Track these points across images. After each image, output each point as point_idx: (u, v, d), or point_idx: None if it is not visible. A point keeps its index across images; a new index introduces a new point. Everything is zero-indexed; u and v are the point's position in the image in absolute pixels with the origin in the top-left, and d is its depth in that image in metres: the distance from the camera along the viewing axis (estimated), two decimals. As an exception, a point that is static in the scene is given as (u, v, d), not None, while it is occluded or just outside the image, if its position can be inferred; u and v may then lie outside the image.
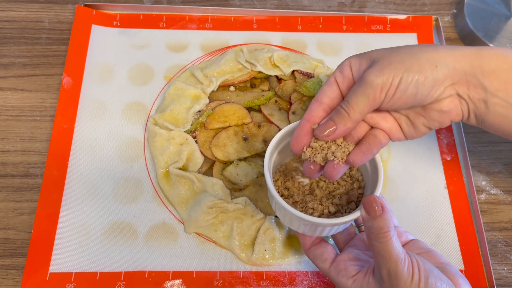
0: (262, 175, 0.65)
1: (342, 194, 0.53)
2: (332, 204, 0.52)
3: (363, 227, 0.54)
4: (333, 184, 0.55)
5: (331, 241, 0.60)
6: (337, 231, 0.52)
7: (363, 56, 0.50)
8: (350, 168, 0.55)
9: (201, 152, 0.67)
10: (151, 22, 0.81)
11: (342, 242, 0.55)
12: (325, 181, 0.55)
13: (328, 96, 0.50)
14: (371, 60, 0.48)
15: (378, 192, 0.49)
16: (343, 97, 0.50)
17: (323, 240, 0.54)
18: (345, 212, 0.52)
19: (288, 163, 0.58)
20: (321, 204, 0.52)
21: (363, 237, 0.55)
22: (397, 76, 0.46)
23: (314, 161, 0.49)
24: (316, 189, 0.54)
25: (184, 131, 0.68)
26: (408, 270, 0.44)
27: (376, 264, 0.46)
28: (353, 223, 0.56)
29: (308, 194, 0.54)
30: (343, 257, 0.51)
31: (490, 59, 0.47)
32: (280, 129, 0.68)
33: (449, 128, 0.73)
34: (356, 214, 0.48)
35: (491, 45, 0.78)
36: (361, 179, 0.54)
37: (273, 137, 0.53)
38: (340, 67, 0.51)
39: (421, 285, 0.43)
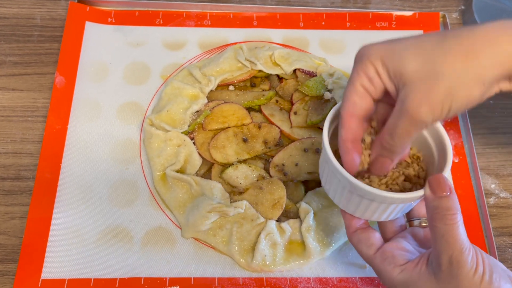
0: (263, 177, 0.65)
1: (400, 176, 0.51)
2: (391, 184, 0.50)
3: (414, 221, 0.53)
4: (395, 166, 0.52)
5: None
6: (393, 216, 0.50)
7: (389, 58, 0.43)
8: (413, 154, 0.53)
9: (199, 154, 0.68)
10: (147, 19, 0.81)
11: (391, 232, 0.53)
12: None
13: (361, 107, 0.46)
14: (401, 71, 0.42)
15: (446, 172, 0.47)
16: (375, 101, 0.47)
17: (370, 226, 0.53)
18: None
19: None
20: (382, 183, 0.50)
21: (414, 231, 0.53)
22: (446, 106, 0.41)
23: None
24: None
25: (182, 132, 0.68)
26: (472, 260, 0.42)
27: (435, 250, 0.44)
28: (405, 217, 0.55)
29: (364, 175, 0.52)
30: (392, 245, 0.49)
31: None
32: (281, 130, 0.69)
33: (457, 129, 0.73)
34: (419, 192, 0.46)
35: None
36: (421, 159, 0.52)
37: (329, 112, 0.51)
38: (365, 71, 0.45)
39: (485, 279, 0.42)
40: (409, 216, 0.54)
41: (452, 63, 0.40)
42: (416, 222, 0.53)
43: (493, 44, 0.41)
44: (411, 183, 0.51)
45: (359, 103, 0.46)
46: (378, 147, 0.46)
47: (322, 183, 0.54)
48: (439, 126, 0.50)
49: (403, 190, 0.50)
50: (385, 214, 0.50)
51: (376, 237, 0.51)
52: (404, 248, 0.49)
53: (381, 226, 0.54)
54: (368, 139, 0.48)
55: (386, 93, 0.45)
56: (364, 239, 0.51)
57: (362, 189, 0.46)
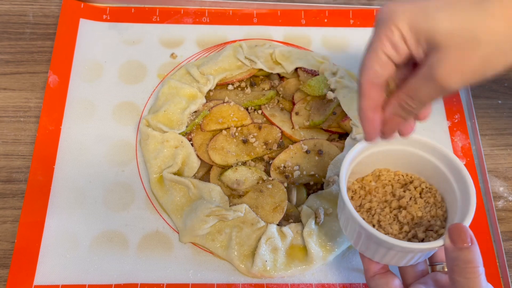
0: (263, 180, 0.66)
1: (422, 222, 0.52)
2: (410, 231, 0.51)
3: (437, 266, 0.52)
4: (413, 209, 0.53)
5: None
6: (413, 262, 0.50)
7: (419, 20, 0.40)
8: (433, 195, 0.54)
9: (197, 156, 0.68)
10: (143, 16, 0.82)
11: (412, 277, 0.52)
12: (405, 208, 0.53)
13: (383, 75, 0.44)
14: (433, 35, 0.40)
15: (468, 222, 0.46)
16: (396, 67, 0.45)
17: (389, 270, 0.53)
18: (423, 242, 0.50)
19: (365, 179, 0.57)
20: (401, 230, 0.51)
21: (436, 277, 0.51)
22: (479, 73, 0.39)
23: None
24: (397, 212, 0.53)
25: (179, 133, 0.69)
26: None
27: None
28: (427, 261, 0.54)
29: (384, 215, 0.53)
30: None
31: None
32: (282, 131, 0.70)
33: (464, 130, 0.74)
34: (439, 243, 0.46)
35: None
36: (443, 207, 0.53)
37: (347, 154, 0.52)
38: (389, 37, 0.42)
39: None
40: (432, 260, 0.54)
41: (493, 28, 0.38)
42: (438, 267, 0.52)
43: None
44: (432, 231, 0.51)
45: (381, 71, 0.43)
46: (395, 106, 0.45)
47: (340, 224, 0.55)
48: (465, 172, 0.51)
49: (423, 237, 0.51)
50: (404, 260, 0.50)
51: (395, 283, 0.50)
52: None
53: (402, 270, 0.54)
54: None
55: (409, 57, 0.43)
56: (382, 285, 0.51)
57: (379, 238, 0.47)
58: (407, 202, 0.53)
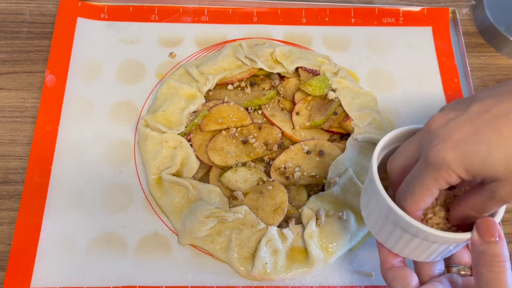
0: (263, 181, 0.66)
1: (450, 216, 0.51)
2: (439, 223, 0.50)
3: (453, 268, 0.53)
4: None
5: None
6: (433, 257, 0.50)
7: (475, 166, 0.42)
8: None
9: (197, 157, 0.68)
10: (142, 15, 0.82)
11: (427, 275, 0.53)
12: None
13: (430, 203, 0.47)
14: (491, 175, 0.42)
15: (498, 218, 0.46)
16: None
17: (406, 265, 0.53)
18: None
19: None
20: (429, 220, 0.50)
21: (452, 278, 0.52)
22: None
23: None
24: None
25: (178, 134, 0.69)
26: None
27: None
28: (443, 262, 0.54)
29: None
30: None
31: None
32: (282, 131, 0.70)
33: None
34: (466, 235, 0.45)
35: (513, 39, 0.79)
36: None
37: (381, 139, 0.52)
38: (446, 179, 0.44)
39: None
40: (448, 262, 0.54)
41: None
42: (454, 269, 0.52)
43: None
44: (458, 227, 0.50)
45: (430, 201, 0.46)
46: (460, 215, 0.47)
47: (362, 212, 0.55)
48: None
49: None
50: (424, 254, 0.50)
51: (414, 278, 0.51)
52: None
53: (417, 268, 0.54)
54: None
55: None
56: (400, 278, 0.51)
57: (406, 221, 0.46)
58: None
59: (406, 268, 0.52)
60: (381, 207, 0.49)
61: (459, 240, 0.46)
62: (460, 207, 0.47)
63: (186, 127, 0.70)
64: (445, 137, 0.43)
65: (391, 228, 0.49)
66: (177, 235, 0.64)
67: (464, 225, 0.49)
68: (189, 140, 0.69)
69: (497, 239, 0.44)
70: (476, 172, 0.42)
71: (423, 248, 0.49)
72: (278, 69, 0.75)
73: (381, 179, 0.50)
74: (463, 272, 0.52)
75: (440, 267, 0.53)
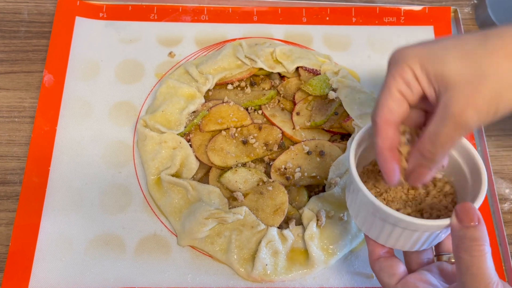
0: (263, 182, 0.66)
1: (429, 204, 0.52)
2: (418, 212, 0.51)
3: (443, 256, 0.52)
4: (418, 192, 0.52)
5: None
6: (418, 246, 0.50)
7: (430, 60, 0.43)
8: (443, 184, 0.53)
9: (196, 157, 0.68)
10: (141, 14, 0.82)
11: (417, 264, 0.53)
12: (413, 189, 0.53)
13: (398, 113, 0.46)
14: (443, 74, 0.43)
15: (478, 203, 0.46)
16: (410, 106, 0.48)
17: (394, 255, 0.53)
18: None
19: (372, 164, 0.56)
20: (409, 211, 0.51)
21: (442, 266, 0.52)
22: (493, 108, 0.42)
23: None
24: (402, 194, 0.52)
25: (177, 134, 0.69)
26: None
27: (459, 284, 0.44)
28: (433, 251, 0.54)
29: (390, 200, 0.52)
30: (415, 277, 0.49)
31: None
32: (282, 131, 0.70)
33: (469, 131, 0.74)
34: (445, 221, 0.45)
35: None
36: (450, 188, 0.53)
37: (357, 134, 0.52)
38: (402, 75, 0.45)
39: None
40: (438, 251, 0.54)
41: (498, 64, 0.41)
42: (445, 257, 0.52)
43: None
44: (441, 213, 0.51)
45: (396, 109, 0.46)
46: (417, 156, 0.46)
47: (348, 205, 0.55)
48: (475, 154, 0.50)
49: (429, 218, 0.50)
50: (409, 243, 0.50)
51: (400, 267, 0.51)
52: (428, 281, 0.49)
53: (407, 257, 0.54)
54: (404, 149, 0.48)
55: (422, 98, 0.46)
56: (386, 268, 0.51)
57: (384, 212, 0.46)
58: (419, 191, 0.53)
59: (392, 258, 0.52)
60: (360, 198, 0.49)
61: (439, 226, 0.46)
62: (415, 148, 0.47)
63: (185, 127, 0.70)
64: (407, 45, 0.46)
65: (372, 219, 0.49)
66: (176, 236, 0.64)
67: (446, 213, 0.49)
68: (188, 141, 0.69)
69: (476, 223, 0.44)
70: (428, 70, 0.43)
71: (406, 237, 0.49)
72: (278, 69, 0.76)
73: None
74: (453, 260, 0.52)
75: (428, 255, 0.54)
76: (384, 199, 0.52)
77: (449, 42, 0.44)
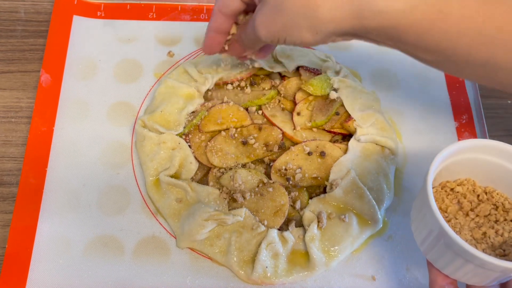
0: (263, 183, 0.66)
1: (504, 240, 0.49)
2: (489, 246, 0.48)
3: None
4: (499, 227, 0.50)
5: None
6: (486, 283, 0.48)
7: None
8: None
9: (195, 158, 0.68)
10: (139, 13, 0.82)
11: None
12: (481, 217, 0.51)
13: (230, 7, 0.58)
14: None
15: None
16: None
17: (457, 286, 0.51)
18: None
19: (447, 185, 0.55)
20: (484, 247, 0.49)
21: None
22: (282, 37, 0.52)
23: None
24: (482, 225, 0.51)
25: (176, 134, 0.69)
26: None
27: None
28: (498, 285, 0.51)
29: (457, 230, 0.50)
30: None
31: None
32: (283, 132, 0.70)
33: (472, 131, 0.74)
34: None
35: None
36: None
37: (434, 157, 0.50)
38: None
39: None
40: (504, 285, 0.51)
41: (294, 3, 0.48)
42: None
43: (335, 1, 0.47)
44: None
45: (229, 3, 0.58)
46: (237, 35, 0.60)
47: (412, 227, 0.53)
48: None
49: (504, 255, 0.48)
50: (478, 278, 0.47)
51: None
52: None
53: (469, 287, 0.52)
54: (233, 29, 0.61)
55: None
56: None
57: (460, 247, 0.44)
58: (494, 220, 0.51)
59: None
60: (432, 226, 0.47)
61: None
62: (240, 29, 0.60)
63: (184, 127, 0.70)
64: None
65: (442, 249, 0.47)
66: (175, 238, 0.64)
67: None
68: (187, 141, 0.69)
69: None
70: None
71: (476, 274, 0.46)
72: (278, 69, 0.76)
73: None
74: None
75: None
76: (451, 225, 0.50)
77: None
